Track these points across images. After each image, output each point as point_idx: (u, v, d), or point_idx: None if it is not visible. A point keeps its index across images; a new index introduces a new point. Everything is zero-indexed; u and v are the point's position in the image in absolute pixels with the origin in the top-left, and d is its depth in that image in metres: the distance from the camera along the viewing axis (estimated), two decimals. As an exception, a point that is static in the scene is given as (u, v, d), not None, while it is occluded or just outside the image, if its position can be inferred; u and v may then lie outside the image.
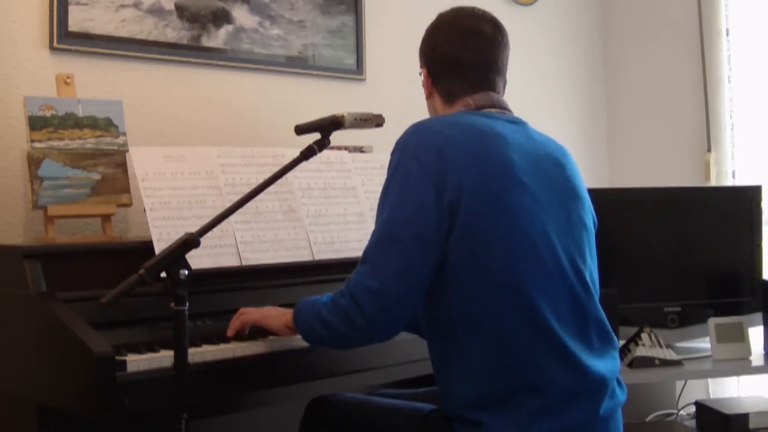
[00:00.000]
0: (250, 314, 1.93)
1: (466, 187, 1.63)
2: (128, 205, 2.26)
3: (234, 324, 1.93)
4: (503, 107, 1.84)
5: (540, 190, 1.71)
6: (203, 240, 1.67)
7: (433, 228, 1.62)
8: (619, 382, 1.78)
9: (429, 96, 1.91)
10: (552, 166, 1.77)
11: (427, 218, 1.62)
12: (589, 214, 1.82)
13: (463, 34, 1.84)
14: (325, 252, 2.28)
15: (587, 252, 1.77)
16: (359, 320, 1.64)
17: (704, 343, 3.10)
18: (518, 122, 1.82)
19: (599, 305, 1.77)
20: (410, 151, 1.69)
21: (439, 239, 1.63)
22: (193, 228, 1.71)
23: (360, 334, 1.68)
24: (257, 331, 1.94)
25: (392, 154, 1.73)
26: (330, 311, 1.69)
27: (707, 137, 3.75)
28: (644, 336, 2.90)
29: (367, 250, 1.67)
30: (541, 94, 3.87)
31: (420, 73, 1.92)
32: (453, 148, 1.66)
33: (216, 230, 1.83)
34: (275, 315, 1.89)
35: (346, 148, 2.59)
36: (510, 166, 1.68)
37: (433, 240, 1.63)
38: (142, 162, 2.07)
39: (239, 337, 1.93)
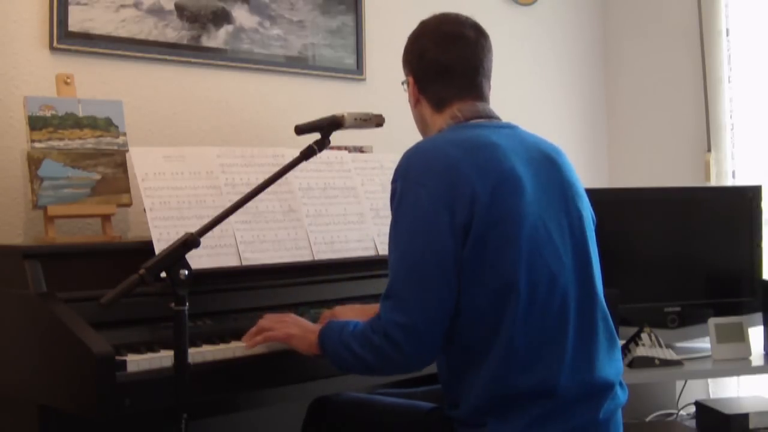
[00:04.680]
0: (274, 331, 1.85)
1: (477, 202, 1.62)
2: (128, 205, 2.26)
3: (255, 339, 1.87)
4: (490, 116, 1.83)
5: (540, 192, 1.71)
6: (203, 240, 1.67)
7: (450, 252, 1.62)
8: (620, 383, 1.78)
9: (416, 104, 1.89)
10: (548, 167, 1.77)
11: (443, 244, 1.62)
12: (588, 209, 1.82)
13: (449, 40, 1.83)
14: (325, 252, 2.28)
15: (590, 249, 1.77)
16: (395, 357, 1.63)
17: (704, 343, 3.10)
18: (508, 126, 1.82)
19: (604, 302, 1.77)
20: (413, 177, 1.67)
21: (457, 262, 1.63)
22: (193, 228, 1.71)
23: (397, 368, 1.70)
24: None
25: (393, 182, 1.71)
26: (362, 346, 1.67)
27: (707, 137, 3.75)
28: (644, 336, 2.90)
29: (391, 285, 1.66)
30: (541, 94, 3.87)
31: (403, 82, 1.92)
32: (456, 167, 1.65)
33: (216, 230, 1.83)
34: (300, 336, 1.82)
35: (346, 148, 2.58)
36: (512, 173, 1.68)
37: (452, 264, 1.62)
38: (142, 162, 2.07)
39: (238, 336, 1.92)
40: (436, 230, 1.62)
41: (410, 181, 1.67)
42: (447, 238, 1.62)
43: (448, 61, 1.83)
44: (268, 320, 1.90)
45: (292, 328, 1.85)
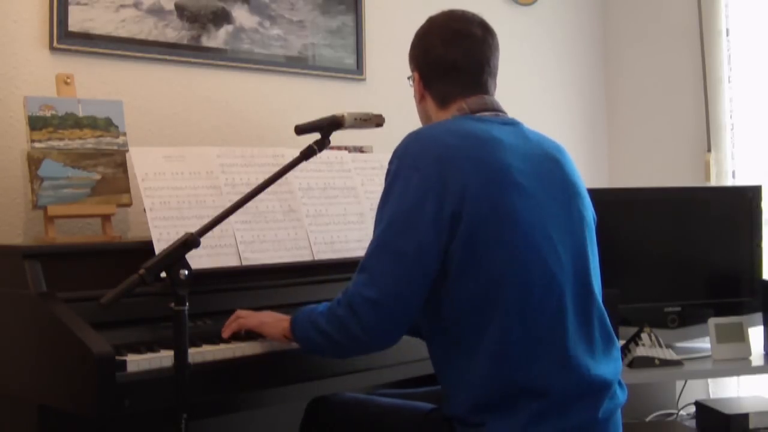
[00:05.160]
0: (247, 319, 1.91)
1: (468, 194, 1.62)
2: (128, 205, 2.26)
3: (231, 326, 1.92)
4: (497, 109, 1.84)
5: (540, 191, 1.71)
6: (203, 240, 1.67)
7: (432, 239, 1.62)
8: (619, 383, 1.78)
9: (421, 100, 1.90)
10: (550, 165, 1.77)
11: (426, 229, 1.62)
12: (588, 209, 1.82)
13: (456, 37, 1.83)
14: (325, 252, 2.28)
15: (589, 249, 1.77)
16: (356, 330, 1.64)
17: (704, 343, 3.11)
18: (512, 123, 1.82)
19: (601, 303, 1.77)
20: (409, 159, 1.68)
21: (438, 250, 1.63)
22: (193, 228, 1.71)
23: (357, 344, 1.68)
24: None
25: (390, 162, 1.72)
26: (327, 320, 1.69)
27: (707, 137, 3.75)
28: (644, 336, 2.90)
29: (366, 260, 1.67)
30: (541, 94, 3.87)
31: (409, 77, 1.92)
32: (453, 156, 1.65)
33: (216, 230, 1.83)
34: (272, 323, 1.87)
35: (346, 148, 2.59)
36: (509, 170, 1.68)
37: (432, 251, 1.62)
38: (142, 162, 2.07)
39: (238, 336, 1.93)
40: (422, 215, 1.62)
41: (405, 163, 1.68)
42: (431, 224, 1.62)
43: (454, 58, 1.83)
44: (243, 311, 1.94)
45: (265, 317, 1.90)
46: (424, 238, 1.62)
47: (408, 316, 1.67)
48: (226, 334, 1.91)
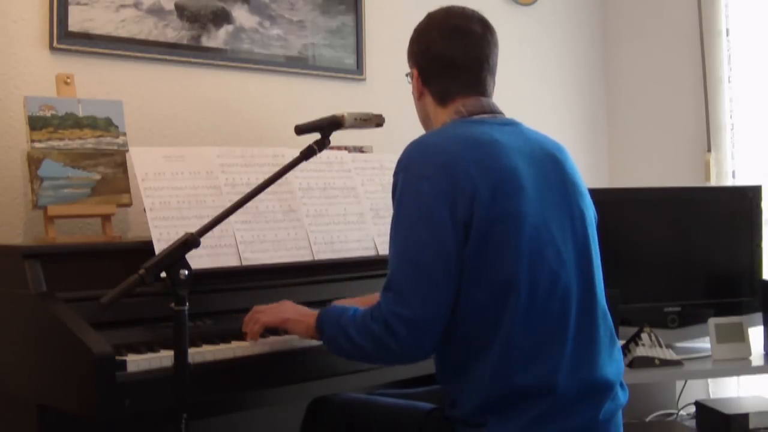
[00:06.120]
0: (268, 316, 1.88)
1: (477, 199, 1.62)
2: (128, 205, 2.26)
3: (252, 327, 1.88)
4: (494, 111, 1.83)
5: (542, 191, 1.71)
6: (203, 240, 1.67)
7: (452, 246, 1.61)
8: (621, 384, 1.78)
9: (419, 97, 1.89)
10: (550, 165, 1.77)
11: (445, 237, 1.61)
12: (590, 207, 1.82)
13: (455, 34, 1.83)
14: (325, 252, 2.28)
15: (592, 248, 1.77)
16: (394, 347, 1.63)
17: (704, 343, 3.10)
18: (511, 123, 1.82)
19: (604, 301, 1.77)
20: (415, 169, 1.67)
21: (459, 256, 1.62)
22: (193, 228, 1.71)
23: (394, 359, 1.70)
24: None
25: (395, 175, 1.71)
26: (360, 333, 1.67)
27: (707, 137, 3.75)
28: (644, 336, 2.90)
29: (392, 277, 1.65)
30: (541, 94, 3.87)
31: (408, 74, 1.91)
32: (458, 162, 1.65)
33: (216, 230, 1.83)
34: (297, 319, 1.84)
35: (346, 148, 2.59)
36: (513, 172, 1.68)
37: (454, 258, 1.62)
38: (142, 162, 2.07)
39: (238, 336, 1.92)
40: (438, 224, 1.62)
41: (411, 173, 1.67)
42: (448, 232, 1.61)
43: (453, 55, 1.82)
44: (262, 306, 1.91)
45: (287, 313, 1.87)
46: (444, 248, 1.61)
47: (440, 327, 1.65)
48: (250, 337, 1.89)
